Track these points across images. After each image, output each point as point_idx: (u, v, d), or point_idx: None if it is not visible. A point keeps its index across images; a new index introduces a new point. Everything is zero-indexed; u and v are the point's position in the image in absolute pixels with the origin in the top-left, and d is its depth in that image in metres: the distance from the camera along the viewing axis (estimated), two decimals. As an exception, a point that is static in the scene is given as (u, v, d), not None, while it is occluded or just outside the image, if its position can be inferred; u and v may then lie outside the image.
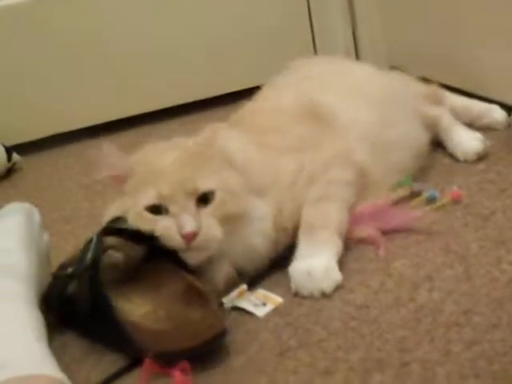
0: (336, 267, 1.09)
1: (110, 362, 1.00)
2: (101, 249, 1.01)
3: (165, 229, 1.03)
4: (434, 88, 1.53)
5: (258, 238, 1.12)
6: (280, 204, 1.14)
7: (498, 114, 1.51)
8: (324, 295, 1.06)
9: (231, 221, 1.08)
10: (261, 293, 1.10)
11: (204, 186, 1.06)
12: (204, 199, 1.06)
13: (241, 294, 1.09)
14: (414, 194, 1.25)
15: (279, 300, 1.08)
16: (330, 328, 0.99)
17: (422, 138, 1.39)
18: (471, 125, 1.49)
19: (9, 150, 1.83)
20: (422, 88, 1.51)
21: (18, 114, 1.92)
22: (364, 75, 1.41)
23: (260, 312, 1.06)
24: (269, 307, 1.07)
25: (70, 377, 0.90)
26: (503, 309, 0.96)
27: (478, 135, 1.41)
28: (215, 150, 1.11)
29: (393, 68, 1.95)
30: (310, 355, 0.95)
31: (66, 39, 1.92)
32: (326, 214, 1.14)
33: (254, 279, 1.13)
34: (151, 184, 1.05)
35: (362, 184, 1.19)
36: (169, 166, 1.07)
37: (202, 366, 0.95)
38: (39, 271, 0.98)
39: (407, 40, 1.89)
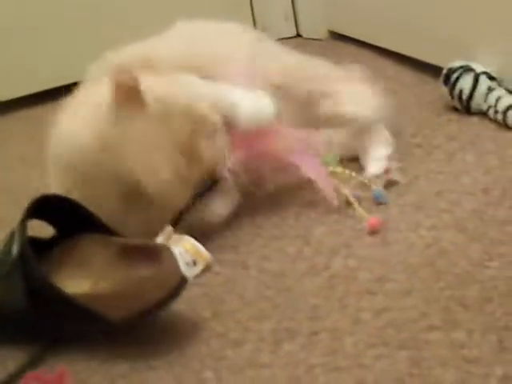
0: None
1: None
2: (26, 236, 0.93)
3: None
4: None
5: None
6: None
7: None
8: None
9: None
10: (189, 243, 1.05)
11: None
12: None
13: (168, 238, 1.04)
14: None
15: (208, 258, 1.04)
16: (244, 298, 0.98)
17: None
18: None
19: None
20: None
21: None
22: None
23: (190, 273, 1.01)
24: (198, 268, 1.03)
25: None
26: (417, 275, 0.95)
27: None
28: None
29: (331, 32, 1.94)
30: (223, 325, 0.93)
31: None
32: None
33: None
34: None
35: None
36: None
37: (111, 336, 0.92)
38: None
39: (347, 3, 1.86)
